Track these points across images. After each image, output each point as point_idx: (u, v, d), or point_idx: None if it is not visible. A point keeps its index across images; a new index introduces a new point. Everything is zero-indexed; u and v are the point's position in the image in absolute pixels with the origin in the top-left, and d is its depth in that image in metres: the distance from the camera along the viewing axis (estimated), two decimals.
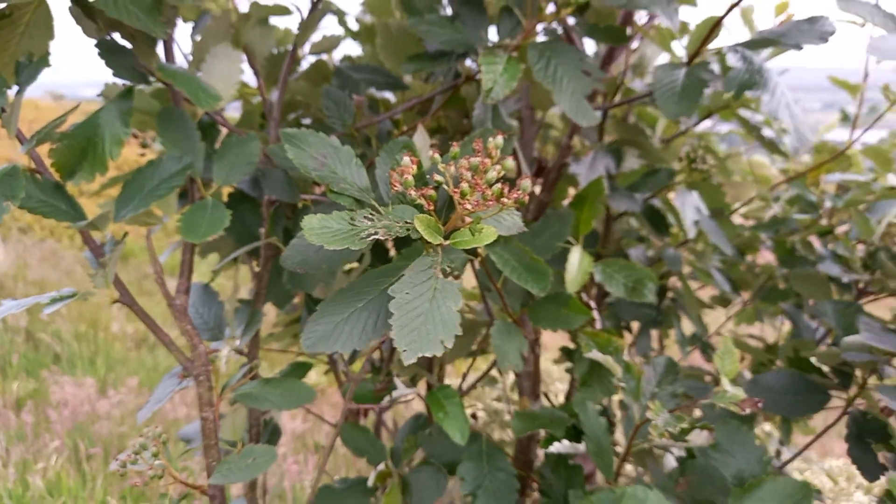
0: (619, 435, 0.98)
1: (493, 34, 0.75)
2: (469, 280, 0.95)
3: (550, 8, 0.72)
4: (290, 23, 0.97)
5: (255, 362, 0.80)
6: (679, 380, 0.75)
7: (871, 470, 0.84)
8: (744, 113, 1.10)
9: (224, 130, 0.78)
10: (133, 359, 3.49)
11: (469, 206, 0.47)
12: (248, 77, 0.95)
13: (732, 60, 0.64)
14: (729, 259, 1.24)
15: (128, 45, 0.65)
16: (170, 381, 0.73)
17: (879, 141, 1.29)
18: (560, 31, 0.80)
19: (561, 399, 1.91)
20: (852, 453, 0.86)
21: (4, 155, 5.82)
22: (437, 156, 0.50)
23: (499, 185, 0.48)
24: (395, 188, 0.49)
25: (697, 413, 0.86)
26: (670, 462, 0.83)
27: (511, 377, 1.48)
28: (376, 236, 0.47)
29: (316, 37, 0.93)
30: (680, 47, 0.79)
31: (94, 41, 0.63)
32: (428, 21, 0.70)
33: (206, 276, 0.89)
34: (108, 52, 0.63)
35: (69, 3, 0.60)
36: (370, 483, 0.83)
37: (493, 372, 1.24)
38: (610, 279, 0.77)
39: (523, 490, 0.93)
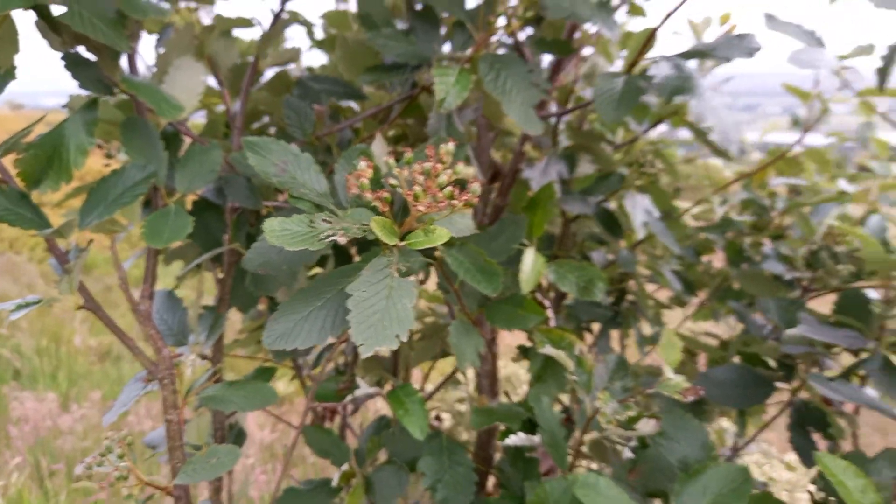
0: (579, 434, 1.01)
1: (448, 47, 0.78)
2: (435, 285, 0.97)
3: (502, 21, 0.76)
4: (256, 34, 0.99)
5: (219, 366, 0.82)
6: (629, 375, 0.79)
7: (810, 457, 0.89)
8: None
9: (188, 140, 0.80)
10: (96, 372, 3.44)
11: (422, 208, 0.51)
12: (215, 86, 0.98)
13: (665, 69, 0.69)
14: (687, 260, 1.29)
15: (93, 57, 0.66)
16: (135, 386, 0.74)
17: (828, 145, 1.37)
18: (512, 43, 0.84)
19: None
20: (794, 441, 0.91)
21: None
22: (392, 160, 0.53)
23: (450, 188, 0.51)
24: (352, 191, 0.52)
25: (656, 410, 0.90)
26: (628, 455, 0.87)
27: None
28: (334, 237, 0.50)
29: (287, 46, 0.96)
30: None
31: (56, 52, 0.65)
32: (384, 35, 0.74)
33: (170, 286, 0.91)
34: (74, 64, 0.65)
35: (35, 18, 0.62)
36: (334, 483, 0.85)
37: (459, 375, 1.27)
38: (563, 279, 0.80)
39: (482, 484, 0.96)
